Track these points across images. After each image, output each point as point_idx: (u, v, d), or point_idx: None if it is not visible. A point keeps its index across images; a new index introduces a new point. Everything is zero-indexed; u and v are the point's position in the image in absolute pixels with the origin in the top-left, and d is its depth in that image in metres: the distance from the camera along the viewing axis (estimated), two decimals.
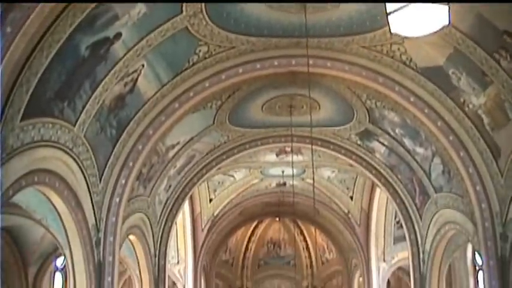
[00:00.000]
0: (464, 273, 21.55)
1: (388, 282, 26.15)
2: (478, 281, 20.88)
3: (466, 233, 14.44)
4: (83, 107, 10.84)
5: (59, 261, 21.12)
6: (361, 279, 26.89)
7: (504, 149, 12.41)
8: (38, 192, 10.80)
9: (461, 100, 12.62)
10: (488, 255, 13.11)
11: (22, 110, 8.79)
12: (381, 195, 22.66)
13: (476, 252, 18.50)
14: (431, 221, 16.64)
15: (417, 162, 15.87)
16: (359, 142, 17.40)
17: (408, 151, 15.88)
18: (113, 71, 11.04)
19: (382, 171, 18.08)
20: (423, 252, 17.53)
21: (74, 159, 11.20)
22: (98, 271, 12.74)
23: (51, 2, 8.17)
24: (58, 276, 21.90)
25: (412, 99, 13.16)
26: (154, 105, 13.10)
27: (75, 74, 10.07)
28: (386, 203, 22.92)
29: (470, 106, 12.55)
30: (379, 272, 24.69)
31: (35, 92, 8.92)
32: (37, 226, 13.33)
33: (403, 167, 16.95)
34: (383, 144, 16.73)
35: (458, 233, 15.46)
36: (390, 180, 18.11)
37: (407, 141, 15.54)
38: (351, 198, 24.41)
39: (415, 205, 17.62)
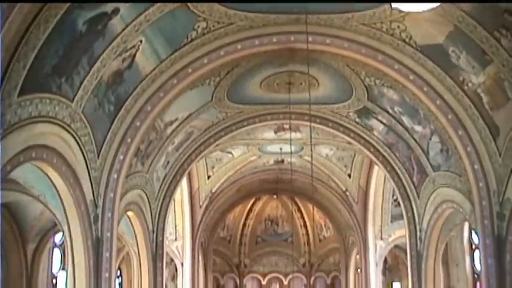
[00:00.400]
0: (461, 251, 21.63)
1: (385, 260, 26.30)
2: (474, 260, 20.98)
3: (463, 211, 14.48)
4: (81, 83, 10.77)
5: (58, 237, 21.11)
6: (358, 256, 27.04)
7: (503, 128, 12.40)
8: (36, 168, 10.76)
9: (461, 79, 12.57)
10: (485, 233, 13.17)
11: (19, 85, 8.71)
12: (378, 173, 22.68)
13: (473, 231, 18.57)
14: (428, 199, 16.68)
15: (415, 140, 15.86)
16: (357, 120, 17.36)
17: (406, 129, 15.86)
18: (110, 47, 10.96)
19: (380, 149, 18.07)
20: (420, 231, 17.59)
21: (72, 135, 11.15)
22: (96, 247, 12.77)
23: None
24: (56, 252, 21.91)
25: (411, 77, 13.11)
26: (152, 81, 13.04)
27: (73, 49, 9.99)
28: (384, 181, 22.96)
29: (470, 85, 12.50)
30: (376, 249, 24.82)
31: (33, 67, 8.85)
32: (35, 202, 13.32)
33: (401, 145, 16.94)
34: (381, 122, 16.70)
35: (456, 212, 15.49)
36: (388, 158, 18.11)
37: (405, 119, 15.51)
38: (349, 176, 24.43)
39: (413, 183, 17.64)
